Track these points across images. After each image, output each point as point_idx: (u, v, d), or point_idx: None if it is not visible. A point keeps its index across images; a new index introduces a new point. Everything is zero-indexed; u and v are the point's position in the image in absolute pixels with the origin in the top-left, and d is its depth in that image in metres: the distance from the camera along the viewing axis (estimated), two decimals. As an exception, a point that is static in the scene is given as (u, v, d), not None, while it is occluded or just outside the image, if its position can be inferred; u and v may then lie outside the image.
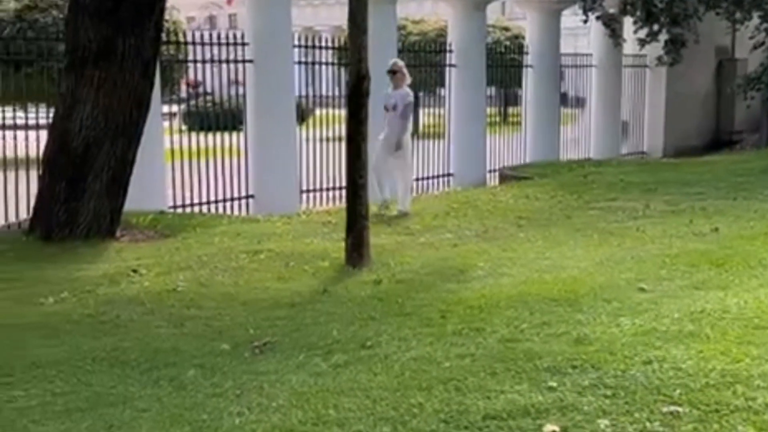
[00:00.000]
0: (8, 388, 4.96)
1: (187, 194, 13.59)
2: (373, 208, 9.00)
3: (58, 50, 12.73)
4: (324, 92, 16.41)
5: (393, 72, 11.14)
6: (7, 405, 4.70)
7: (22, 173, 11.84)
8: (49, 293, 7.31)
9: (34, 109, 13.73)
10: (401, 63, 11.38)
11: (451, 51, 17.54)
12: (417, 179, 16.94)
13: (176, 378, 5.06)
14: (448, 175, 17.62)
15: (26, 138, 12.55)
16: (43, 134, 11.58)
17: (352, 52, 7.86)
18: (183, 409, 4.54)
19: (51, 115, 11.44)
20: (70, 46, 9.71)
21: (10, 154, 12.02)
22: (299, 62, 14.98)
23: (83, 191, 9.64)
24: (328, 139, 15.58)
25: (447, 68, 17.59)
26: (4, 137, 11.91)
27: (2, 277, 8.10)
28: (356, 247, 7.83)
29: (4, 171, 11.81)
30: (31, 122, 13.09)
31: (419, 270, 7.61)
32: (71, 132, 9.61)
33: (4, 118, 12.14)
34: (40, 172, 10.16)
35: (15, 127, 12.57)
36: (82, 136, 9.59)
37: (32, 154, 11.92)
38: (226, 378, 5.01)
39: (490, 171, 18.09)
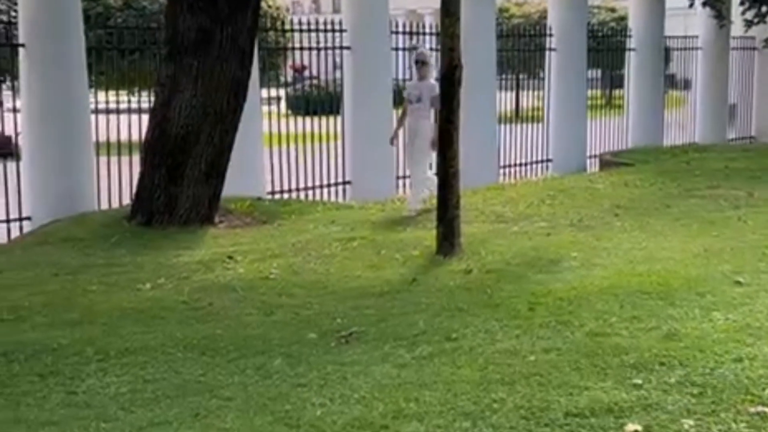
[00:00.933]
0: (102, 374, 5.11)
1: (286, 180, 13.77)
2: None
3: (162, 37, 13.04)
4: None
5: (422, 62, 10.42)
6: (101, 391, 4.85)
7: (134, 158, 12.15)
8: (147, 279, 7.50)
9: (140, 95, 14.04)
10: (428, 52, 10.75)
11: (551, 35, 17.30)
12: (515, 165, 16.88)
13: (263, 367, 5.14)
14: (547, 160, 17.43)
15: (127, 123, 12.83)
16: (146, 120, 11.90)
17: (444, 40, 7.82)
18: (267, 398, 4.61)
19: (149, 100, 11.76)
20: (169, 36, 9.90)
21: (117, 138, 12.36)
22: (396, 48, 14.98)
23: (182, 178, 9.83)
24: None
25: (547, 52, 17.36)
26: (104, 122, 12.22)
27: (103, 262, 8.33)
28: (447, 237, 7.82)
29: (108, 156, 12.16)
30: (129, 107, 13.37)
31: (510, 260, 7.55)
32: (171, 119, 9.80)
33: (103, 102, 12.45)
34: (141, 157, 10.40)
35: (117, 111, 12.89)
36: (181, 124, 9.78)
37: (136, 139, 12.23)
38: (311, 368, 5.07)
39: (590, 156, 17.82)
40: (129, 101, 13.06)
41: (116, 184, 12.08)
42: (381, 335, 5.61)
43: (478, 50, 14.33)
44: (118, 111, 12.96)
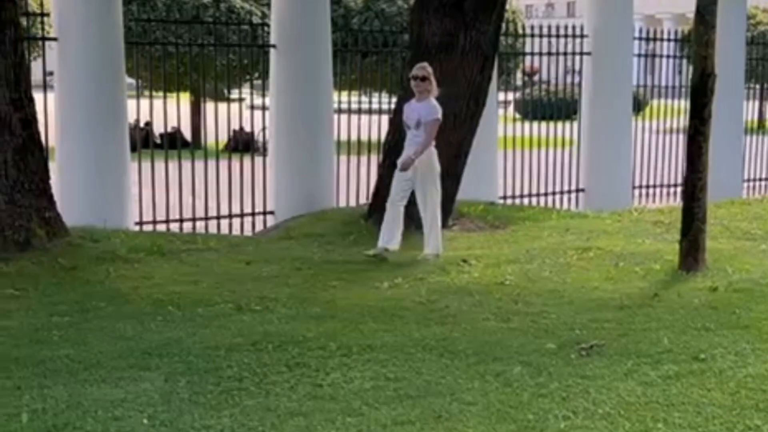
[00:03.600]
0: (346, 368, 5.25)
1: (518, 185, 13.71)
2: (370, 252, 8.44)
3: (402, 41, 13.31)
4: (662, 82, 15.90)
5: (422, 78, 8.54)
6: (345, 385, 4.97)
7: (368, 158, 12.47)
8: (384, 278, 7.65)
9: (380, 97, 14.39)
10: (430, 68, 8.65)
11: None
12: (761, 179, 16.03)
13: (502, 374, 5.13)
14: None
15: (363, 123, 13.16)
16: (385, 120, 12.16)
17: (697, 48, 7.55)
18: (509, 406, 4.59)
19: (391, 102, 12.00)
20: (413, 39, 10.06)
21: (355, 138, 12.70)
22: (638, 55, 14.62)
23: (419, 180, 9.95)
24: (664, 132, 15.10)
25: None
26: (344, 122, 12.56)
27: (343, 259, 8.59)
28: (691, 251, 7.54)
29: (348, 155, 12.51)
30: (369, 108, 13.70)
31: (759, 279, 7.19)
32: (409, 122, 9.93)
33: (341, 103, 12.78)
34: (381, 158, 10.63)
35: (358, 111, 13.24)
36: (419, 126, 9.89)
37: (379, 138, 12.53)
38: (551, 378, 5.01)
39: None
40: (368, 102, 13.39)
41: (354, 182, 12.42)
42: (623, 350, 5.47)
43: (727, 58, 13.72)
44: (360, 111, 13.30)
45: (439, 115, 8.48)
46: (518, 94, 21.33)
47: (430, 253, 8.52)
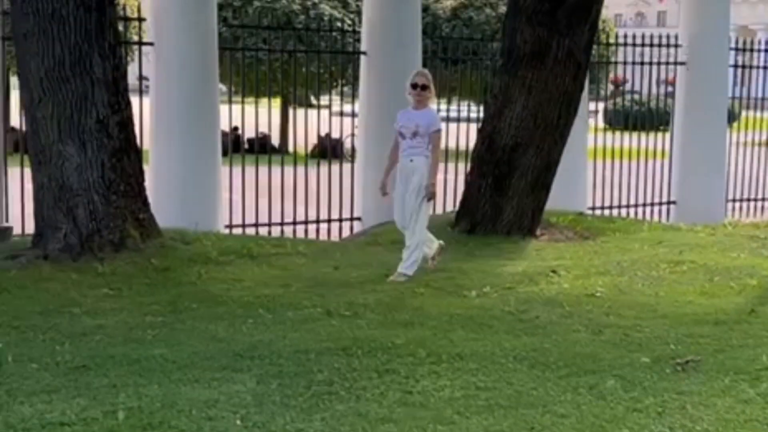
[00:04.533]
0: (436, 376, 5.22)
1: (607, 196, 13.54)
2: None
3: (490, 49, 13.26)
4: (755, 94, 15.56)
5: (423, 87, 8.01)
6: (435, 393, 4.95)
7: (454, 166, 12.45)
8: (472, 286, 7.60)
9: (465, 105, 14.35)
10: (430, 76, 8.19)
11: None
12: None
13: (595, 387, 5.05)
14: None
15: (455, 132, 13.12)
16: (473, 128, 12.13)
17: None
18: (603, 420, 4.52)
19: (479, 110, 11.96)
20: (505, 48, 10.02)
21: (442, 146, 12.65)
22: (735, 66, 14.32)
23: (508, 188, 9.92)
24: (758, 144, 14.76)
25: None
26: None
27: (429, 267, 8.54)
28: (790, 267, 7.34)
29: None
30: (457, 116, 13.67)
31: None
32: (500, 131, 9.91)
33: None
34: (469, 167, 10.59)
35: (446, 119, 13.19)
36: (510, 135, 9.87)
37: (463, 147, 12.51)
38: (646, 393, 4.92)
39: None
40: (457, 110, 13.35)
41: (441, 190, 12.36)
42: (720, 366, 5.35)
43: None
44: (448, 119, 13.26)
45: (440, 126, 8.07)
46: (606, 104, 21.06)
47: (404, 273, 7.89)
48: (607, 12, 25.02)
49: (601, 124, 18.85)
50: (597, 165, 13.57)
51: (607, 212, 13.27)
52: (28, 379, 5.02)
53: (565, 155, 10.35)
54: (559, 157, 10.12)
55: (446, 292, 7.47)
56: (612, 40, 14.66)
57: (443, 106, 13.76)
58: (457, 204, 10.70)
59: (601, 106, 21.62)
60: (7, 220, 9.38)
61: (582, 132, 12.38)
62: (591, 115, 14.85)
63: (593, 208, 13.11)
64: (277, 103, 22.28)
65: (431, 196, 8.07)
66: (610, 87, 22.13)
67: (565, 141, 10.14)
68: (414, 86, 8.06)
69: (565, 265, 8.51)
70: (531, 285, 7.74)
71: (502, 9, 21.86)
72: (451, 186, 12.22)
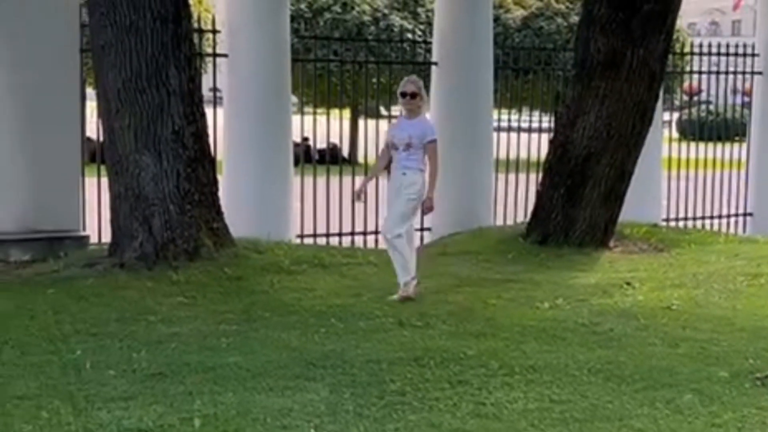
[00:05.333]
0: (509, 388, 5.18)
1: (681, 207, 13.34)
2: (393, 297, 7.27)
3: (561, 58, 13.18)
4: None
5: (412, 95, 7.46)
6: (508, 405, 4.91)
7: (523, 176, 12.39)
8: (545, 298, 7.54)
9: (534, 114, 14.28)
10: (421, 83, 7.63)
11: None
12: None
13: (672, 401, 4.97)
14: None
15: (521, 142, 13.05)
16: (543, 138, 12.06)
17: None
18: (680, 435, 4.45)
19: (550, 120, 11.87)
20: (578, 58, 9.93)
21: (513, 156, 12.63)
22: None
23: (581, 199, 9.83)
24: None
25: None
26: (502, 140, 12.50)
27: (501, 277, 8.51)
28: None
29: (506, 173, 12.44)
30: (529, 126, 13.61)
31: None
32: (573, 141, 9.83)
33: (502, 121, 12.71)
34: (541, 177, 10.52)
35: (517, 129, 13.14)
36: (583, 146, 9.77)
37: (533, 157, 12.45)
38: (725, 408, 4.83)
39: None
40: (528, 120, 13.28)
41: (512, 201, 12.33)
42: (802, 382, 5.23)
43: None
44: (519, 129, 13.21)
45: (435, 135, 7.49)
46: (680, 114, 20.78)
47: (409, 291, 7.44)
48: (681, 21, 24.70)
49: (674, 134, 18.60)
50: (671, 176, 13.38)
51: (681, 224, 13.07)
52: (106, 386, 5.11)
53: (639, 166, 10.22)
54: (633, 167, 10.00)
55: (518, 304, 7.42)
56: (686, 50, 14.45)
57: (514, 116, 13.69)
58: (529, 215, 10.63)
59: (675, 116, 21.36)
60: (84, 229, 9.55)
61: (656, 142, 12.22)
62: (664, 125, 14.65)
63: (667, 220, 12.93)
64: (347, 113, 22.39)
65: (429, 210, 7.56)
66: (684, 97, 21.84)
67: (639, 151, 10.01)
68: (403, 95, 7.50)
69: (639, 277, 8.41)
70: (605, 297, 7.65)
71: (574, 18, 21.74)
72: (522, 196, 12.14)
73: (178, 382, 5.16)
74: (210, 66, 11.55)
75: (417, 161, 7.38)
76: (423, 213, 7.45)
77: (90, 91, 11.52)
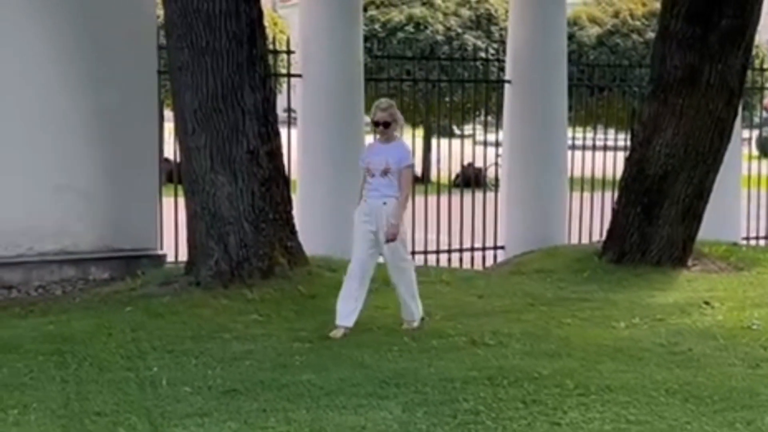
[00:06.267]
0: (584, 408, 5.12)
1: (762, 225, 13.06)
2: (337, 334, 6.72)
3: (637, 75, 13.03)
4: None
5: (385, 125, 6.97)
6: (584, 425, 4.85)
7: (597, 194, 12.26)
8: (621, 317, 7.44)
9: (609, 132, 14.13)
10: (395, 108, 7.08)
11: None
12: None
13: (753, 422, 4.87)
14: None
15: (597, 160, 12.91)
16: (618, 156, 11.92)
17: None
18: (762, 458, 4.33)
19: (625, 138, 11.74)
20: (655, 74, 9.80)
21: (587, 174, 12.51)
22: None
23: (657, 218, 9.68)
24: None
25: None
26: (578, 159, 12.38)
27: (576, 296, 8.43)
28: None
29: (581, 191, 12.32)
30: (604, 144, 13.46)
31: None
32: (650, 159, 9.69)
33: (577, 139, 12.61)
34: (617, 195, 10.39)
35: (592, 148, 13.02)
36: (660, 163, 9.64)
37: (608, 175, 12.31)
38: (809, 431, 4.70)
39: None
40: (603, 138, 13.14)
41: (585, 219, 12.20)
42: None
43: None
44: (594, 147, 13.08)
45: (412, 160, 7.10)
46: (760, 131, 20.37)
47: (416, 322, 7.10)
48: (759, 37, 24.25)
49: (754, 151, 18.23)
50: (751, 194, 13.11)
51: (762, 242, 12.79)
52: (182, 402, 5.17)
53: (717, 184, 10.04)
54: (712, 185, 9.82)
55: (593, 323, 7.33)
56: (766, 65, 14.16)
57: (589, 134, 13.56)
58: (604, 233, 10.50)
59: (754, 133, 20.95)
60: (161, 248, 9.69)
61: (736, 160, 12.00)
62: (743, 142, 14.37)
63: (747, 238, 12.66)
64: (420, 132, 22.40)
65: (392, 238, 6.87)
66: (764, 114, 21.40)
67: (718, 169, 9.83)
68: (376, 124, 7.02)
69: (718, 296, 8.26)
70: (683, 317, 7.53)
71: (650, 35, 21.45)
72: (597, 215, 12.01)
73: (252, 399, 5.19)
74: (285, 86, 11.64)
75: (395, 188, 6.93)
76: (386, 241, 6.89)
77: (168, 113, 11.71)
